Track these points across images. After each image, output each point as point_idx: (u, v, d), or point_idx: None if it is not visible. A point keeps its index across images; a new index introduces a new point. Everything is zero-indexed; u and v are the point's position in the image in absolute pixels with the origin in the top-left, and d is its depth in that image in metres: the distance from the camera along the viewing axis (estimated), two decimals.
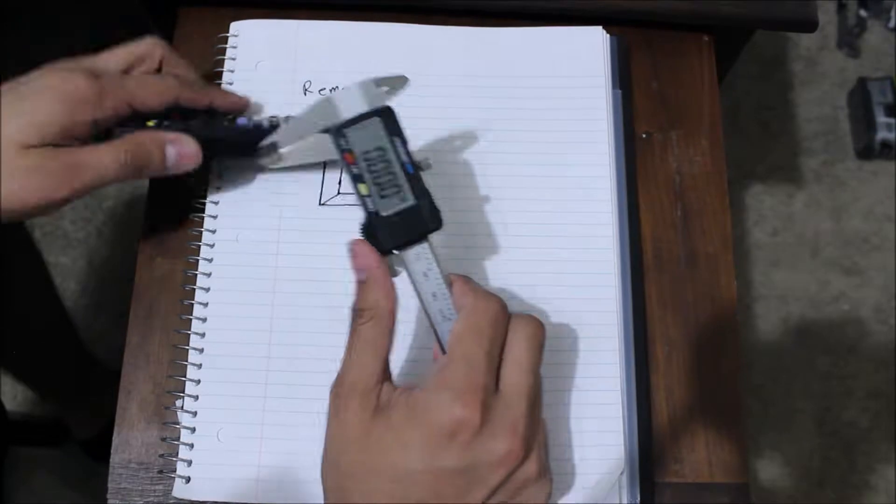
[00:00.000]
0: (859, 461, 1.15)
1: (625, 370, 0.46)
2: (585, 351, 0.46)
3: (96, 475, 1.08)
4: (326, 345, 0.46)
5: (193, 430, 0.44)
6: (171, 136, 0.44)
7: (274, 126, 0.46)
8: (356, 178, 0.37)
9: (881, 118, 1.25)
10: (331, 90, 0.51)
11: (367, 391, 0.35)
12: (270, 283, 0.47)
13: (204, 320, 0.46)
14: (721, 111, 0.52)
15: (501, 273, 0.47)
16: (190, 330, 0.46)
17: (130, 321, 0.47)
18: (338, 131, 0.38)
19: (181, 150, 0.44)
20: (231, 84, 0.51)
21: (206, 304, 0.46)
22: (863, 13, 1.35)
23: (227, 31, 0.52)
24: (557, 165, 0.49)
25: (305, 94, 0.51)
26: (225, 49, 0.51)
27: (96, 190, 0.42)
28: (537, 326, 0.36)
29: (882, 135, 1.25)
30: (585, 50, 0.52)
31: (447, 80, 0.51)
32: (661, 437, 0.45)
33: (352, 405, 0.35)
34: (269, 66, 0.51)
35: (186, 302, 0.46)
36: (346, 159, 0.37)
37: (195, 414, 0.45)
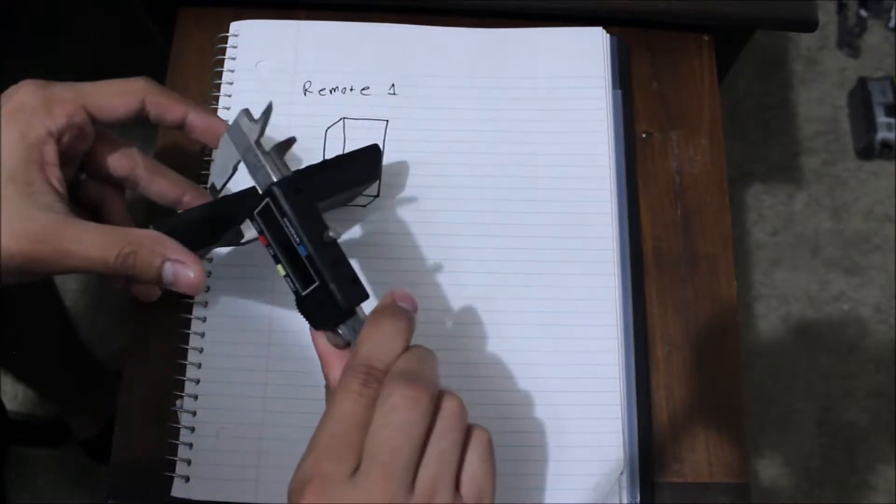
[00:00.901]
0: (859, 461, 1.15)
1: (625, 370, 0.46)
2: (585, 351, 0.46)
3: (96, 475, 1.08)
4: None
5: (193, 429, 0.44)
6: (177, 253, 0.39)
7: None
8: (275, 259, 0.36)
9: (881, 118, 1.25)
10: (330, 91, 0.51)
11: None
12: (270, 282, 0.47)
13: (204, 320, 0.46)
14: (721, 111, 0.52)
15: (501, 273, 0.47)
16: (190, 330, 0.46)
17: (131, 321, 0.47)
18: (252, 215, 0.36)
19: (180, 275, 0.39)
20: (231, 84, 0.51)
21: (205, 304, 0.46)
22: (863, 13, 1.35)
23: (227, 31, 0.52)
24: (557, 166, 0.49)
25: (305, 94, 0.51)
26: (225, 49, 0.51)
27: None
28: (477, 429, 0.33)
29: (882, 135, 1.25)
30: (585, 50, 0.52)
31: (447, 81, 0.51)
32: (661, 437, 0.45)
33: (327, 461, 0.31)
34: (269, 66, 0.51)
35: (186, 302, 0.46)
36: (262, 241, 0.36)
37: (195, 414, 0.45)
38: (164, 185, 0.43)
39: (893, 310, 1.22)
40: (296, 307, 0.37)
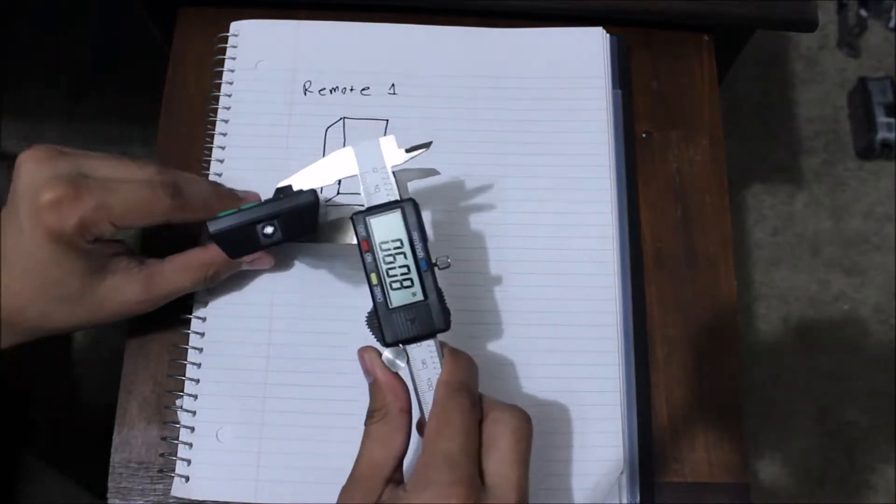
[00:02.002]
0: (859, 461, 1.15)
1: (625, 370, 0.46)
2: (585, 351, 0.46)
3: (96, 475, 1.08)
4: (327, 344, 0.46)
5: (193, 429, 0.44)
6: (251, 258, 0.44)
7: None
8: (368, 267, 0.37)
9: (881, 118, 1.25)
10: (330, 90, 0.51)
11: (370, 489, 0.34)
12: (270, 282, 0.47)
13: (204, 320, 0.46)
14: (721, 111, 0.52)
15: (501, 273, 0.47)
16: (190, 330, 0.46)
17: (130, 321, 0.47)
18: (359, 217, 0.38)
19: (257, 265, 0.45)
20: (231, 84, 0.51)
21: (205, 304, 0.46)
22: (863, 13, 1.35)
23: (227, 31, 0.52)
24: (557, 166, 0.49)
25: (305, 93, 0.51)
26: (225, 49, 0.51)
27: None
28: (522, 419, 0.35)
29: (882, 135, 1.25)
30: (585, 50, 0.52)
31: (447, 81, 0.51)
32: (661, 437, 0.45)
33: (354, 498, 0.34)
34: (269, 65, 0.51)
35: (186, 302, 0.46)
36: (363, 246, 0.37)
37: (195, 413, 0.45)
38: None
39: (893, 310, 1.22)
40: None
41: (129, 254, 0.41)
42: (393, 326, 0.37)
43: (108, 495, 0.44)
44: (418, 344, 0.37)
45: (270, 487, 0.44)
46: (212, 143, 0.49)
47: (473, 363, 0.38)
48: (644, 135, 0.51)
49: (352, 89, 0.51)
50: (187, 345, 0.46)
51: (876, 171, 1.29)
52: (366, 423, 0.36)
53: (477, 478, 0.34)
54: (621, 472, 0.44)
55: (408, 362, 0.37)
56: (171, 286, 0.42)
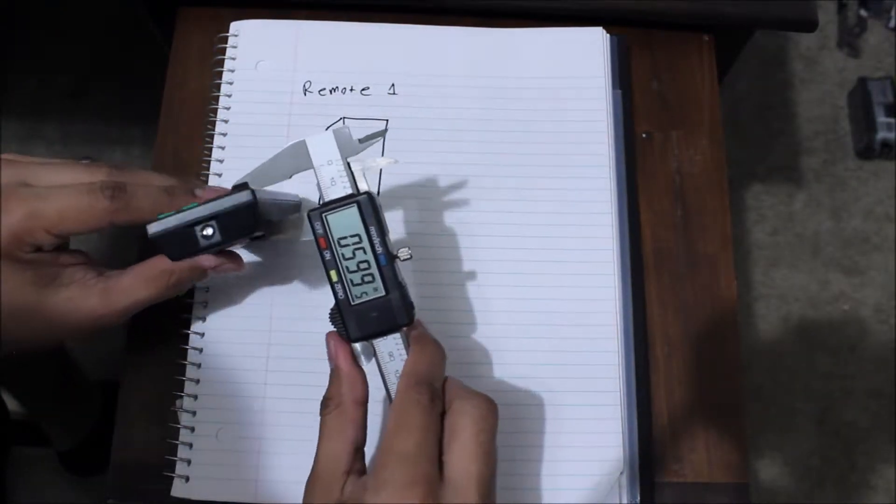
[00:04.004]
0: (859, 461, 1.15)
1: (625, 370, 0.46)
2: (585, 351, 0.46)
3: (96, 475, 1.08)
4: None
5: (193, 429, 0.44)
6: (211, 262, 0.41)
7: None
8: (327, 265, 0.37)
9: (881, 118, 1.25)
10: (330, 91, 0.51)
11: (329, 483, 0.34)
12: (270, 283, 0.47)
13: (203, 320, 0.46)
14: (721, 111, 0.52)
15: (501, 273, 0.47)
16: (190, 330, 0.46)
17: (130, 321, 0.47)
18: (315, 214, 0.37)
19: (224, 270, 0.42)
20: (231, 84, 0.51)
21: (205, 304, 0.46)
22: (863, 13, 1.35)
23: (227, 31, 0.52)
24: (557, 166, 0.49)
25: (305, 93, 0.51)
26: (225, 49, 0.51)
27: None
28: (485, 408, 0.35)
29: (882, 135, 1.25)
30: (585, 50, 0.52)
31: (446, 80, 0.51)
32: (661, 437, 0.45)
33: (315, 497, 0.34)
34: (269, 66, 0.51)
35: (186, 301, 0.46)
36: (320, 244, 0.37)
37: (195, 414, 0.45)
38: None
39: (893, 310, 1.22)
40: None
41: (87, 265, 0.40)
42: (357, 322, 0.37)
43: (108, 495, 0.44)
44: (384, 337, 0.37)
45: (270, 487, 0.44)
46: (211, 142, 0.49)
47: (439, 350, 0.37)
48: (644, 135, 0.51)
49: (351, 89, 0.51)
50: (187, 345, 0.46)
51: (876, 171, 1.29)
52: (321, 413, 0.36)
53: (435, 475, 0.33)
54: (621, 472, 0.44)
55: (375, 355, 0.37)
56: (130, 298, 0.39)
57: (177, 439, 0.44)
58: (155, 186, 0.40)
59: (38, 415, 1.04)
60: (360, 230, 0.37)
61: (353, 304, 0.37)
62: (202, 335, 0.46)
